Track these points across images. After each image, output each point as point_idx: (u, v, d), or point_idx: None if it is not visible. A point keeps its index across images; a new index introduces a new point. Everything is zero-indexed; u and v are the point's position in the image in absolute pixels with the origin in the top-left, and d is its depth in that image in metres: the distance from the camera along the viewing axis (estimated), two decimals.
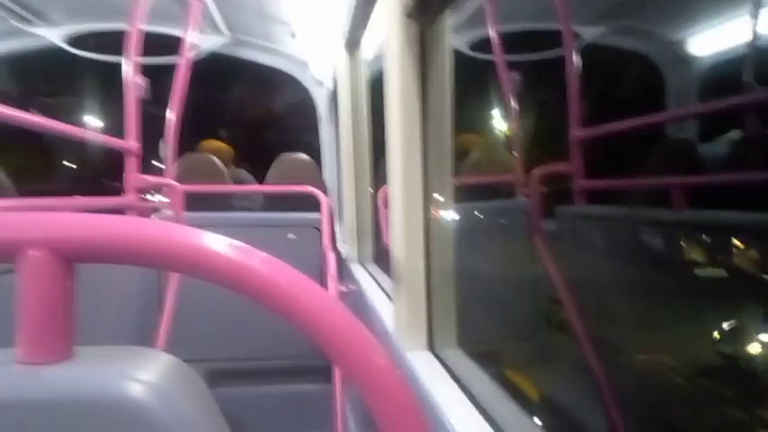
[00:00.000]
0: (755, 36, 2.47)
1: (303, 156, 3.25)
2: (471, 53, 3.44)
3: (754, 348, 1.58)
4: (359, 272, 2.26)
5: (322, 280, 2.55)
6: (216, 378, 2.63)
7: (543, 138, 4.29)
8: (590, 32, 3.28)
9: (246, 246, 0.42)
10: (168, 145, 3.02)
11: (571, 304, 2.19)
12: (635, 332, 2.00)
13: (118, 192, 2.45)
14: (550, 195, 2.68)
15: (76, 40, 3.28)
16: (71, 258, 0.39)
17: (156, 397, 0.37)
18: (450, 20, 1.16)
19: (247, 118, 7.49)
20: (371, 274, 2.16)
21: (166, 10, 2.89)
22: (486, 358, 1.16)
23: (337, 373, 2.09)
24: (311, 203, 2.87)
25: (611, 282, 2.20)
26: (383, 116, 1.27)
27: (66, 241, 0.39)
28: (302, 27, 3.05)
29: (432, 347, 1.17)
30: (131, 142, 2.39)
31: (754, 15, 2.47)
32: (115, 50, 3.23)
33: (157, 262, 0.41)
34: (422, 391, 0.97)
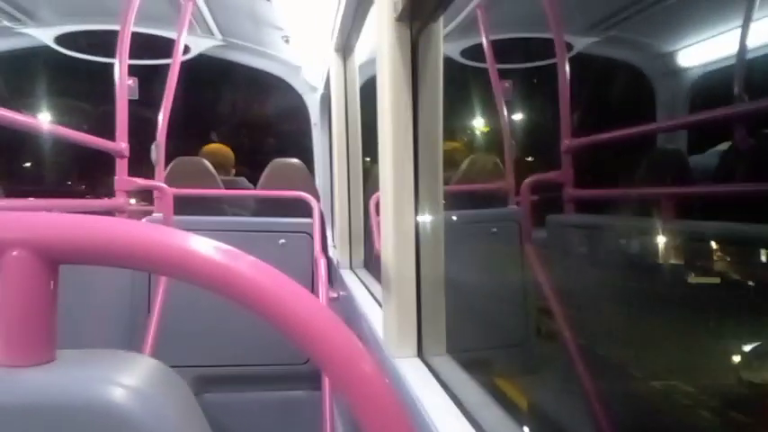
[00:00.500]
0: (744, 48, 2.50)
1: (295, 161, 3.25)
2: (462, 60, 3.46)
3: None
4: (349, 278, 2.25)
5: (313, 286, 2.54)
6: (204, 384, 2.61)
7: (534, 146, 4.31)
8: (581, 42, 3.31)
9: (234, 249, 0.41)
10: (159, 147, 3.01)
11: (561, 313, 2.20)
12: (628, 348, 2.00)
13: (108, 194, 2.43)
14: (541, 204, 2.69)
15: (66, 40, 3.26)
16: (54, 260, 0.38)
17: (138, 402, 0.36)
18: (442, 26, 1.16)
19: (239, 122, 7.47)
20: (362, 281, 2.15)
21: (158, 11, 2.88)
22: (476, 366, 1.15)
23: (326, 380, 2.07)
24: (303, 209, 2.86)
25: (603, 293, 2.21)
26: (375, 121, 1.27)
27: (49, 242, 0.38)
28: (295, 32, 3.05)
29: (421, 354, 1.16)
30: (121, 144, 2.38)
31: (744, 27, 2.50)
32: (105, 51, 3.22)
33: (142, 264, 0.40)
34: (410, 398, 0.96)
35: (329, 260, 2.71)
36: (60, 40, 3.24)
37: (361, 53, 2.40)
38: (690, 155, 3.07)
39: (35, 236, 0.38)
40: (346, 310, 2.06)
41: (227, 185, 3.22)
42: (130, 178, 2.42)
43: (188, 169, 2.98)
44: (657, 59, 3.52)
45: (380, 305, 1.55)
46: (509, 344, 2.79)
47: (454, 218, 2.70)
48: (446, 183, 1.24)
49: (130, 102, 2.49)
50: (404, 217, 1.16)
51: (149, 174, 2.93)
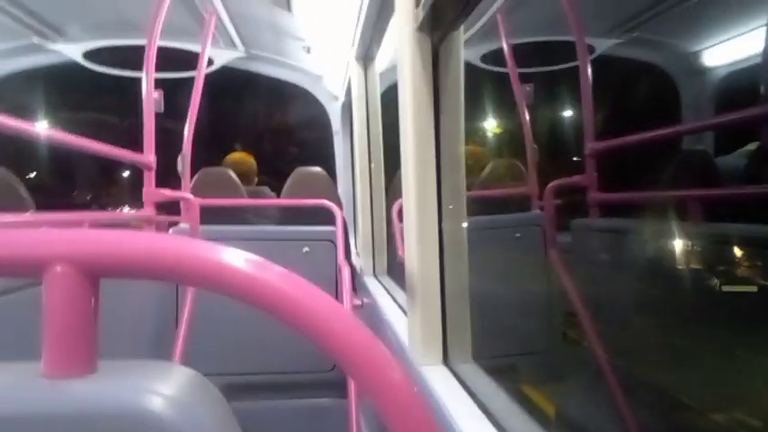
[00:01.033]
0: None
1: (318, 170, 3.28)
2: (483, 65, 3.45)
3: None
4: (373, 285, 2.26)
5: (337, 293, 2.55)
6: (230, 392, 2.62)
7: (558, 150, 4.28)
8: (603, 44, 3.28)
9: (264, 260, 0.42)
10: (185, 159, 3.06)
11: (587, 320, 2.17)
12: (655, 357, 1.94)
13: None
14: (565, 208, 2.67)
15: (94, 56, 3.34)
16: (96, 274, 0.40)
17: (177, 411, 0.37)
18: (462, 34, 1.17)
19: (262, 132, 7.55)
20: (386, 288, 2.15)
21: (182, 26, 2.94)
22: (502, 373, 1.15)
23: (352, 388, 2.08)
24: (326, 217, 2.88)
25: (631, 299, 2.17)
26: (397, 129, 1.28)
27: (92, 257, 0.40)
28: (316, 42, 3.08)
29: (446, 362, 1.16)
30: (149, 156, 2.42)
31: None
32: (131, 65, 3.29)
33: (179, 277, 0.41)
34: (437, 405, 0.96)
35: (353, 267, 2.72)
36: (88, 55, 3.32)
37: (381, 61, 2.41)
38: (716, 156, 3.01)
39: (78, 252, 0.39)
40: (370, 317, 2.06)
41: (251, 195, 3.26)
42: (158, 190, 2.47)
43: (213, 180, 3.03)
44: (682, 60, 3.47)
45: (405, 312, 1.55)
46: (534, 351, 2.76)
47: (477, 223, 2.69)
48: (468, 188, 1.24)
49: (156, 114, 2.54)
50: (427, 223, 1.16)
51: (171, 185, 2.98)
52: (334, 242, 2.81)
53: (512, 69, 3.07)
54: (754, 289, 1.67)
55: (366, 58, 2.44)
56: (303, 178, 3.19)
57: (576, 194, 2.55)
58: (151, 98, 2.46)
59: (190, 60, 3.13)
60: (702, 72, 3.43)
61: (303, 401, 2.79)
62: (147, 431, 0.37)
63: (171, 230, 2.76)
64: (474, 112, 4.42)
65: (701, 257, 1.90)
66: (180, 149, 3.09)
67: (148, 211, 2.42)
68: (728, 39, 3.14)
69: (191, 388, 0.40)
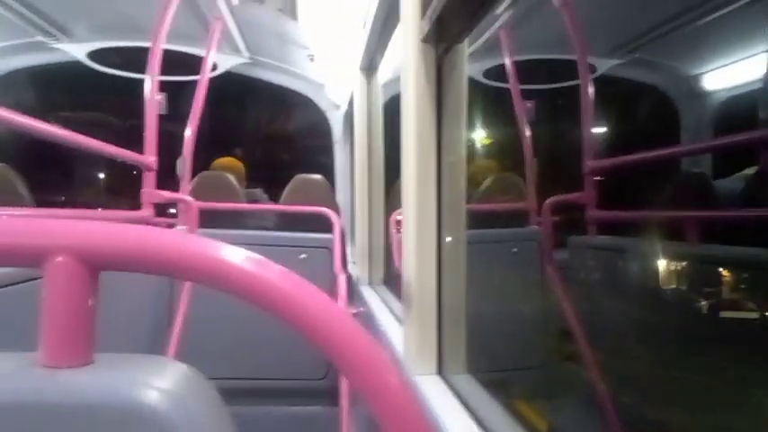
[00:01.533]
0: None
1: (317, 177, 3.28)
2: (485, 81, 3.47)
3: None
4: (369, 294, 2.26)
5: None
6: (222, 396, 2.61)
7: (556, 167, 4.29)
8: (605, 64, 3.31)
9: (264, 259, 0.43)
10: (185, 162, 3.06)
11: (581, 337, 2.17)
12: (647, 376, 1.93)
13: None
14: (563, 225, 2.67)
15: (98, 56, 3.35)
16: (96, 266, 0.40)
17: (172, 405, 0.37)
18: (467, 48, 1.18)
19: (262, 138, 7.56)
20: (381, 297, 2.15)
21: (188, 30, 2.95)
22: (495, 386, 1.14)
23: (344, 396, 2.07)
24: (324, 224, 2.88)
25: (626, 317, 2.16)
26: (395, 140, 1.29)
27: (93, 249, 0.40)
28: (320, 50, 3.10)
29: (441, 372, 1.16)
30: (150, 158, 2.42)
31: None
32: (135, 67, 3.30)
33: (179, 272, 0.41)
34: (431, 415, 0.96)
35: (349, 276, 2.71)
36: (92, 55, 3.33)
37: (384, 72, 2.42)
38: (715, 179, 3.03)
39: (80, 243, 0.40)
40: (365, 326, 2.05)
41: (247, 198, 3.26)
42: (157, 191, 2.47)
43: (212, 183, 3.03)
44: (682, 82, 3.49)
45: (400, 322, 1.55)
46: (527, 366, 2.76)
47: (474, 236, 2.69)
48: (467, 201, 1.24)
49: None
50: (426, 235, 1.17)
51: (166, 187, 2.98)
52: (331, 250, 2.81)
53: (513, 85, 3.09)
54: (753, 315, 1.68)
55: (369, 68, 2.45)
56: (302, 185, 3.20)
57: (574, 211, 2.56)
58: (154, 100, 2.47)
59: (193, 64, 3.15)
60: (702, 95, 3.46)
61: (294, 408, 2.78)
62: (141, 423, 0.37)
63: None
64: (475, 126, 4.44)
65: (696, 279, 1.90)
66: (178, 152, 3.09)
67: (147, 211, 2.42)
68: (729, 63, 3.17)
69: (186, 382, 0.40)
